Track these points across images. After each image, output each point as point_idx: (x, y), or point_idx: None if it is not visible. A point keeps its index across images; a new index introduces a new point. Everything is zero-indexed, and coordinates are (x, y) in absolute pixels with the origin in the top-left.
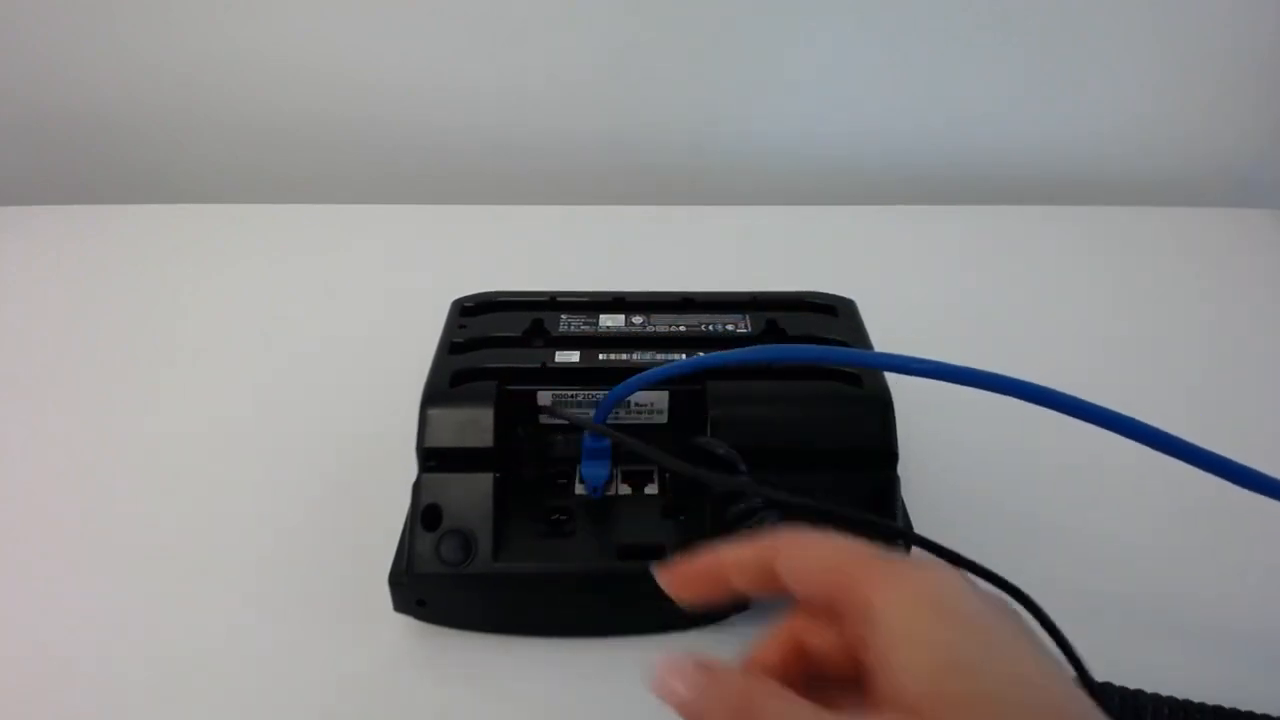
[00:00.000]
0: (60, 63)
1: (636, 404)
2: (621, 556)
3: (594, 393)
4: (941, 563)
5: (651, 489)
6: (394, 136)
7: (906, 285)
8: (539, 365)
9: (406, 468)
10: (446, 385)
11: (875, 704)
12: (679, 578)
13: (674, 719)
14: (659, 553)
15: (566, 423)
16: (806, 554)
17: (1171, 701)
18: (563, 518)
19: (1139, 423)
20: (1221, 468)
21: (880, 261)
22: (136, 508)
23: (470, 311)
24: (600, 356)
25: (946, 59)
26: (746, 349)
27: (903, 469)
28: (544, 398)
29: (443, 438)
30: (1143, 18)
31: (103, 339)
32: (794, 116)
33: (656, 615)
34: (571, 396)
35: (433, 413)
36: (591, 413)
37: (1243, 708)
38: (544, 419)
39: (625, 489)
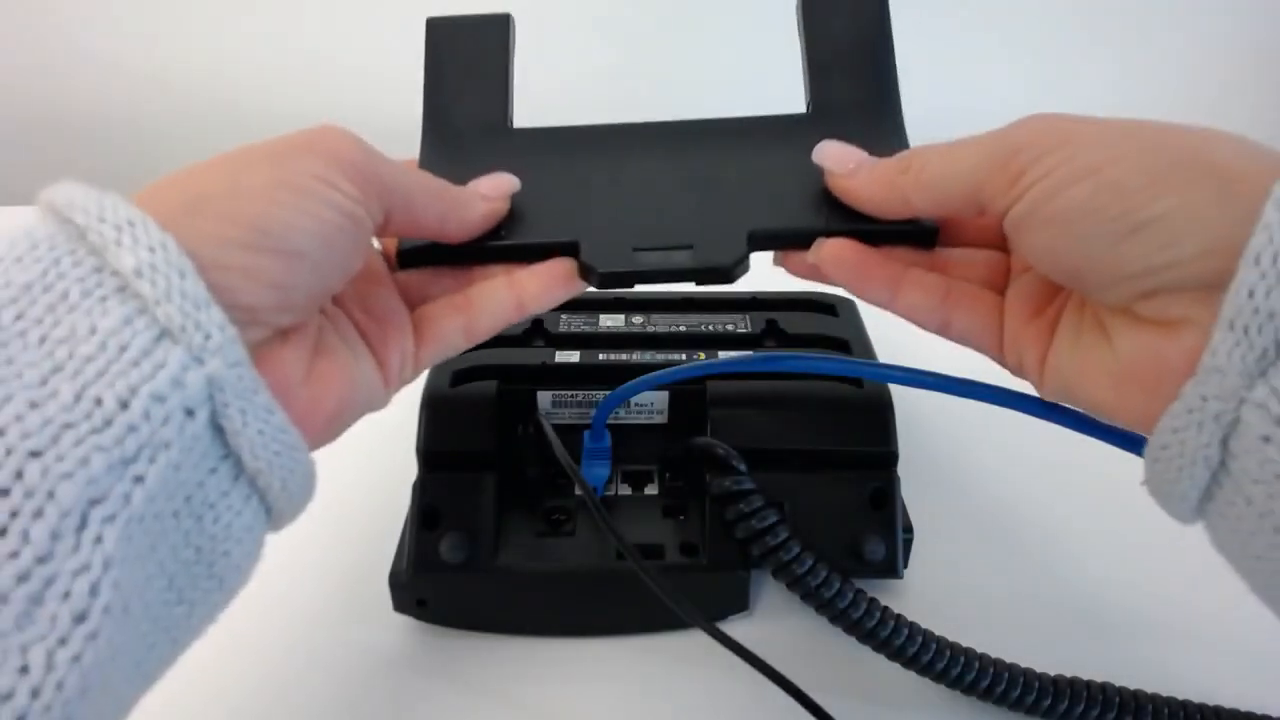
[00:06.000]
0: (60, 63)
1: (636, 404)
2: (621, 556)
3: (594, 392)
4: None
5: (651, 489)
6: (394, 137)
7: None
8: (539, 365)
9: (406, 468)
10: (446, 385)
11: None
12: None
13: (672, 718)
14: (659, 553)
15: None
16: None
17: (1171, 701)
18: (563, 518)
19: (1135, 436)
20: None
21: None
22: None
23: None
24: (600, 356)
25: (941, 56)
26: (752, 357)
27: (903, 469)
28: (544, 398)
29: (443, 438)
30: (1142, 17)
31: None
32: None
33: (656, 615)
34: (571, 396)
35: (433, 413)
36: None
37: (1242, 708)
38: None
39: (625, 489)
